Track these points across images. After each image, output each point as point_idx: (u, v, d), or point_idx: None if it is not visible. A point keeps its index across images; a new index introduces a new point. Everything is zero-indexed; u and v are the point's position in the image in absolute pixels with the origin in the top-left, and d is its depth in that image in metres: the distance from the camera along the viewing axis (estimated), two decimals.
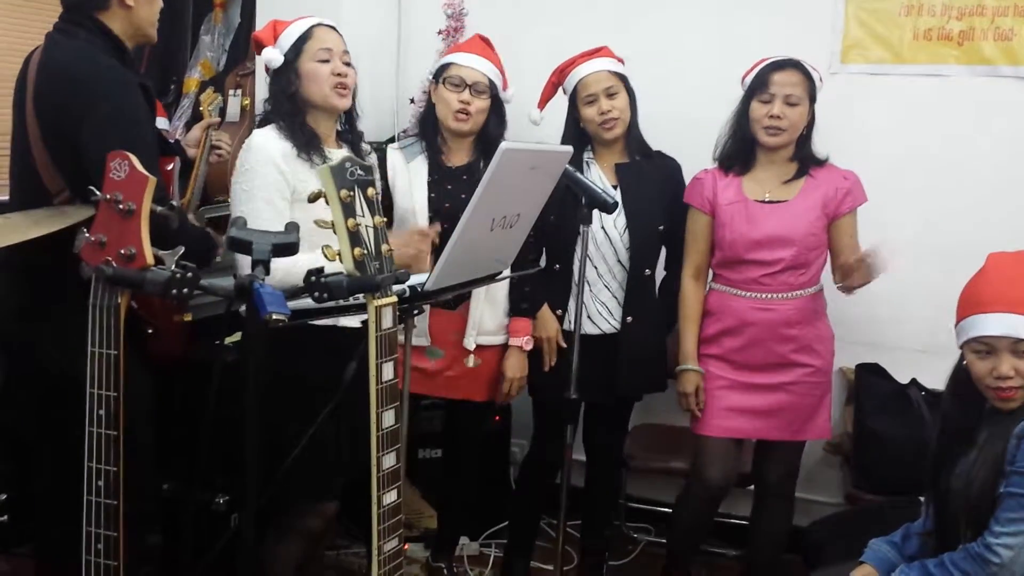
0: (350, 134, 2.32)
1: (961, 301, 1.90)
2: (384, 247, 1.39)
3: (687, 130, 2.72)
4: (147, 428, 2.04)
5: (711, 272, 2.62)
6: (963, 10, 2.85)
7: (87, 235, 1.42)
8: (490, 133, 2.55)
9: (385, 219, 1.42)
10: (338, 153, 2.20)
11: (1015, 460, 1.75)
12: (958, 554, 1.81)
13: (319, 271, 1.39)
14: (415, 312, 1.84)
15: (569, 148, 1.97)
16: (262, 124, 2.21)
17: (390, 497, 1.39)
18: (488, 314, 2.57)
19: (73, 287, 1.51)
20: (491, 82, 2.50)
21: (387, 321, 1.39)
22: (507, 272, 2.20)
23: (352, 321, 2.09)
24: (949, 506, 1.90)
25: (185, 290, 1.35)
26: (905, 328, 2.97)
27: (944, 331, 2.85)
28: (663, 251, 2.72)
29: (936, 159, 2.90)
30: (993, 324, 1.80)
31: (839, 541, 2.32)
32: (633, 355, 2.61)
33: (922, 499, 2.10)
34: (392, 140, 3.20)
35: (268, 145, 2.11)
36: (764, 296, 2.48)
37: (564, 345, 2.61)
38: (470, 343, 2.55)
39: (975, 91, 2.85)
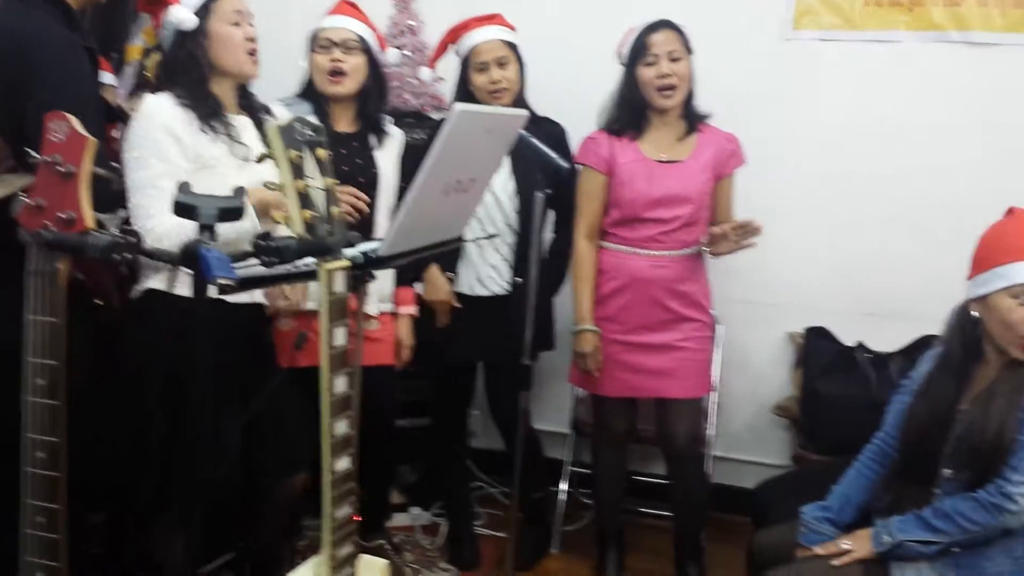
0: (247, 100, 2.21)
1: (994, 247, 1.86)
2: (335, 210, 1.36)
3: (574, 96, 2.73)
4: (91, 399, 1.98)
5: (603, 231, 2.63)
6: None
7: (25, 199, 1.36)
8: (371, 101, 2.50)
9: (337, 181, 1.38)
10: (241, 120, 2.13)
11: None
12: (963, 504, 1.80)
13: (267, 234, 1.35)
14: (367, 280, 1.80)
15: (524, 112, 1.93)
16: (157, 90, 2.07)
17: (342, 464, 1.37)
18: (385, 281, 2.57)
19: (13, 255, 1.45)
20: (361, 37, 2.45)
21: (338, 285, 1.36)
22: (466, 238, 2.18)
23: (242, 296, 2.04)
24: (928, 450, 1.91)
25: (127, 255, 1.30)
26: (852, 293, 3.03)
27: (888, 295, 2.95)
28: (551, 214, 2.75)
29: (888, 123, 2.93)
30: None
31: (786, 500, 2.34)
32: (523, 315, 2.61)
33: None
34: None
35: (163, 109, 1.99)
36: (659, 253, 2.53)
37: (458, 305, 2.65)
38: (373, 309, 2.54)
39: (925, 56, 2.89)
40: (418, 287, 2.68)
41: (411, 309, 2.63)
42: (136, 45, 3.29)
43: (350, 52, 2.43)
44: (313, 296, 2.32)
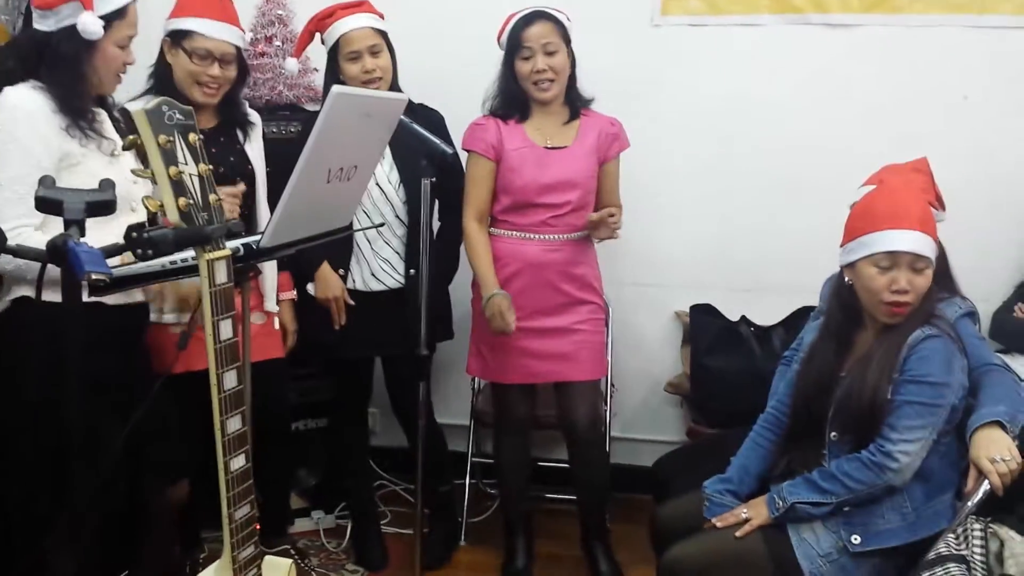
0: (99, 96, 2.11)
1: (861, 217, 1.92)
2: (212, 197, 1.30)
3: (450, 82, 2.74)
4: None
5: (492, 219, 2.64)
6: None
7: None
8: (234, 97, 2.43)
9: (211, 167, 1.32)
10: (100, 114, 2.05)
11: (908, 369, 1.83)
12: (848, 464, 1.86)
13: (140, 226, 1.28)
14: (253, 274, 1.74)
15: (405, 96, 1.91)
16: (12, 80, 1.94)
17: (238, 462, 1.31)
18: (272, 274, 2.52)
19: None
20: (238, 49, 2.35)
21: (221, 276, 1.30)
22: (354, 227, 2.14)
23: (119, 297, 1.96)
24: (814, 415, 1.96)
25: None
26: (733, 269, 3.12)
27: (767, 270, 3.07)
28: (436, 202, 2.72)
29: (756, 103, 3.03)
30: (901, 240, 1.83)
31: (684, 474, 2.38)
32: (419, 306, 2.60)
33: None
34: None
35: (26, 105, 1.89)
36: (551, 238, 2.56)
37: (352, 303, 2.62)
38: (272, 305, 2.50)
39: (787, 38, 3.00)
40: (310, 287, 2.61)
41: (290, 294, 2.60)
42: None
43: (227, 66, 2.32)
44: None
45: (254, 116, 2.53)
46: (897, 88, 2.94)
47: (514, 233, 2.58)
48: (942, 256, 2.07)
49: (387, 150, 2.57)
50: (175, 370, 1.88)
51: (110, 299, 1.88)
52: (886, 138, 2.85)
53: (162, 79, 2.35)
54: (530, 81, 2.49)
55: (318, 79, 3.01)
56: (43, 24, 1.97)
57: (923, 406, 1.81)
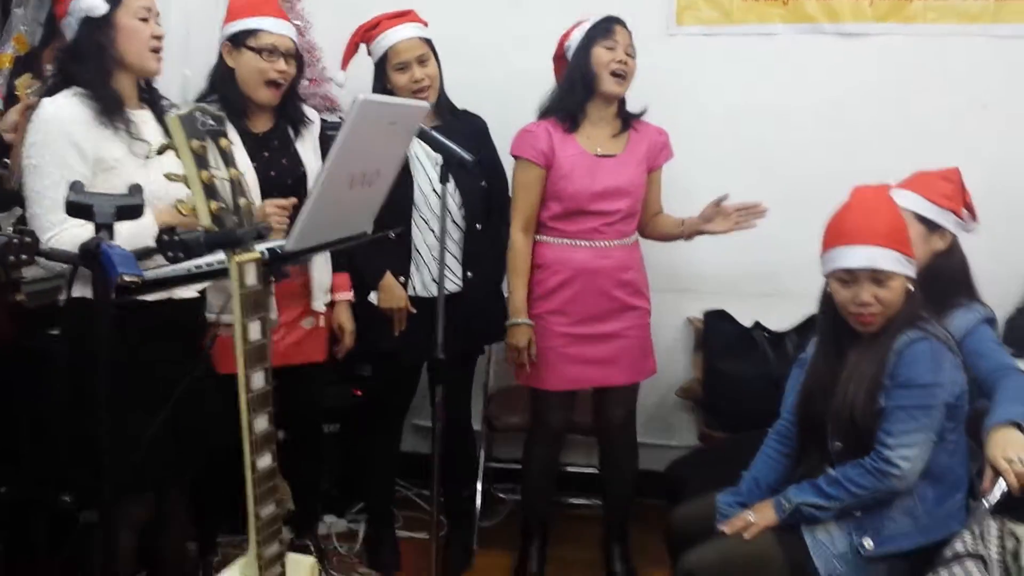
0: (149, 94, 2.14)
1: (826, 233, 1.96)
2: (243, 201, 1.32)
3: (489, 90, 2.77)
4: None
5: (541, 225, 2.64)
6: None
7: None
8: (292, 99, 2.47)
9: (242, 172, 1.35)
10: (142, 114, 2.07)
11: (897, 375, 1.85)
12: (852, 471, 1.88)
13: (171, 229, 1.31)
14: (279, 277, 1.76)
15: (426, 103, 1.93)
16: (52, 91, 1.99)
17: (264, 461, 1.33)
18: (326, 275, 2.53)
19: None
20: (295, 43, 2.41)
21: (251, 278, 1.33)
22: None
23: (188, 291, 2.00)
24: (818, 425, 1.98)
25: (23, 256, 1.24)
26: (748, 276, 3.14)
27: (782, 276, 3.08)
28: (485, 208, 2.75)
29: (771, 111, 3.06)
30: (854, 256, 1.87)
31: (697, 476, 2.42)
32: (477, 308, 2.65)
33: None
34: None
35: (61, 114, 1.92)
36: (602, 244, 2.57)
37: (413, 311, 2.62)
38: (320, 304, 2.51)
39: (801, 47, 3.03)
40: (372, 296, 2.62)
41: (348, 295, 2.58)
42: (6, 53, 3.14)
43: (291, 61, 2.37)
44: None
45: (312, 114, 2.55)
46: (911, 97, 2.96)
47: (564, 240, 2.58)
48: (962, 263, 2.11)
49: (439, 157, 2.57)
50: (223, 370, 1.90)
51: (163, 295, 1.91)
52: (900, 146, 2.86)
53: (224, 81, 2.39)
54: (608, 70, 2.49)
55: (334, 89, 3.03)
56: (69, 31, 2.02)
57: (915, 409, 1.83)
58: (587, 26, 2.55)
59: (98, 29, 1.98)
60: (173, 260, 1.31)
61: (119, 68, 2.02)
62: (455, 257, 2.66)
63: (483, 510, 3.11)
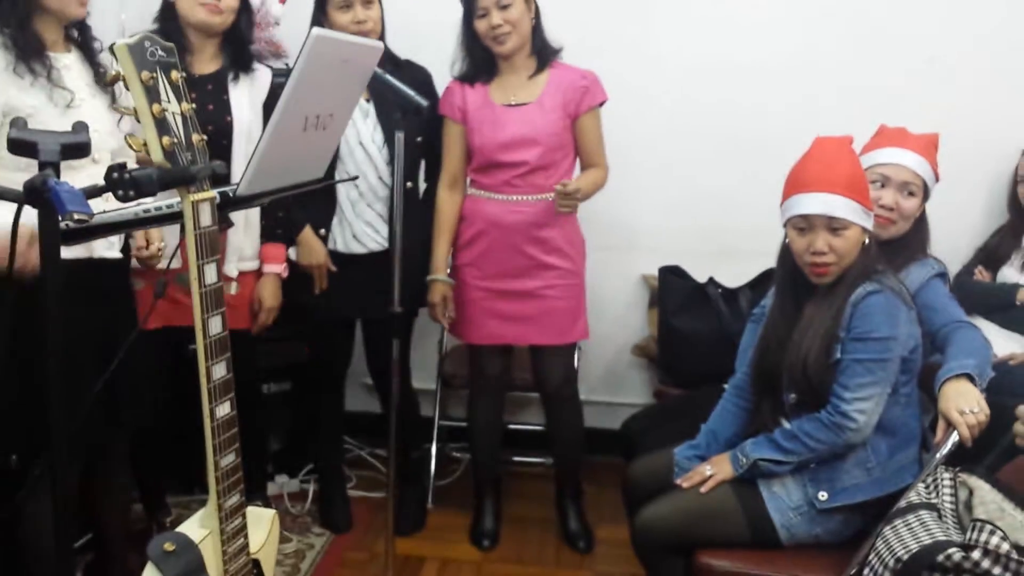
0: (81, 35, 2.01)
1: (786, 182, 1.97)
2: (195, 137, 1.26)
3: (437, 39, 2.65)
4: None
5: (468, 180, 2.64)
6: None
7: None
8: (241, 31, 2.36)
9: (194, 105, 1.28)
10: (66, 58, 1.95)
11: (853, 328, 1.86)
12: (808, 424, 1.90)
13: (122, 166, 1.23)
14: (223, 225, 1.69)
15: (380, 44, 1.86)
16: None
17: (223, 410, 1.28)
18: (247, 238, 2.43)
19: None
20: None
21: (206, 218, 1.27)
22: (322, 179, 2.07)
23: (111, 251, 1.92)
24: (773, 378, 2.00)
25: None
26: (702, 232, 3.14)
27: (736, 232, 3.09)
28: (423, 163, 2.72)
29: (725, 64, 3.03)
30: (811, 203, 1.89)
31: (652, 432, 2.43)
32: (403, 269, 2.58)
33: (725, 386, 2.24)
34: None
35: None
36: (514, 198, 2.53)
37: (333, 269, 2.58)
38: (232, 270, 2.40)
39: (756, 2, 3.00)
40: (291, 252, 2.55)
41: (277, 268, 2.49)
42: None
43: None
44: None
45: (260, 69, 2.44)
46: (864, 50, 2.97)
47: (479, 192, 2.58)
48: (921, 219, 2.15)
49: (371, 108, 2.52)
50: (150, 325, 1.82)
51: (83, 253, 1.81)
52: (853, 101, 2.88)
53: (165, 18, 2.30)
54: (488, 37, 2.46)
55: (279, 33, 2.93)
56: None
57: (871, 362, 1.85)
58: None
59: None
60: (123, 199, 1.24)
61: (39, 11, 1.89)
62: (380, 216, 2.59)
63: (438, 469, 3.09)
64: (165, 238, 2.10)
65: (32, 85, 1.85)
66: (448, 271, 2.63)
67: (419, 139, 2.58)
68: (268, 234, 2.47)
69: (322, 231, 2.57)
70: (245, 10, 2.35)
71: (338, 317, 2.68)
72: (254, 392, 2.69)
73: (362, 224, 2.58)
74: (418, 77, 2.58)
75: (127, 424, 2.09)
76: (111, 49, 1.93)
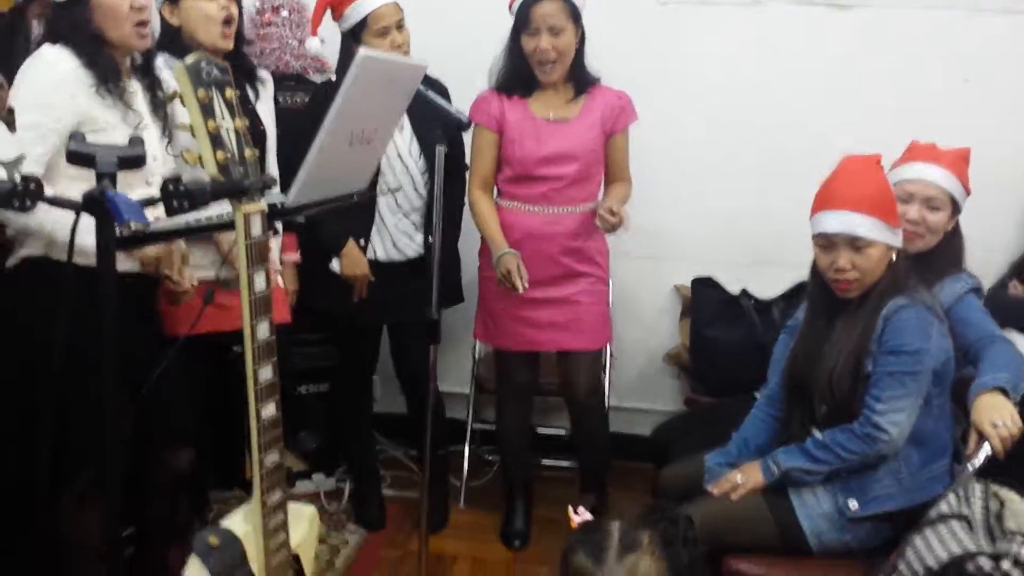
0: (145, 64, 2.09)
1: (814, 198, 2.00)
2: (248, 152, 1.32)
3: (453, 57, 2.70)
4: None
5: (496, 190, 2.69)
6: None
7: None
8: (240, 49, 2.40)
9: (247, 121, 1.35)
10: (132, 85, 2.03)
11: (885, 341, 1.88)
12: (840, 435, 1.91)
13: (176, 179, 1.30)
14: (271, 232, 1.77)
15: (425, 63, 1.92)
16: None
17: (269, 410, 1.35)
18: (272, 242, 2.52)
19: None
20: None
21: (256, 229, 1.33)
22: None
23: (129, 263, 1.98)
24: (805, 389, 2.01)
25: (28, 202, 1.23)
26: (735, 244, 3.16)
27: (769, 245, 3.11)
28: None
29: (762, 81, 3.06)
30: (832, 222, 1.91)
31: (683, 439, 2.45)
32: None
33: (756, 395, 2.26)
34: None
35: (58, 61, 1.88)
36: (552, 210, 2.59)
37: (373, 279, 2.65)
38: (278, 265, 2.52)
39: (792, 18, 3.02)
40: (335, 263, 2.64)
41: (293, 256, 2.62)
42: None
43: (232, 1, 2.31)
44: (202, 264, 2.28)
45: (265, 75, 2.53)
46: (900, 69, 2.97)
47: (516, 204, 2.62)
48: (961, 238, 2.17)
49: (406, 122, 2.60)
50: (201, 330, 1.89)
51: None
52: (888, 118, 2.88)
53: (171, 43, 2.31)
54: (534, 60, 2.51)
55: (324, 49, 2.99)
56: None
57: (903, 375, 1.86)
58: (516, 4, 2.50)
59: (75, 6, 1.91)
60: (177, 211, 1.31)
61: (104, 45, 1.96)
62: (414, 224, 2.68)
63: (470, 471, 3.14)
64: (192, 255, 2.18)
65: (112, 106, 1.94)
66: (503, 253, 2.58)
67: (445, 148, 2.64)
68: (284, 227, 2.55)
69: (362, 241, 2.64)
70: (241, 30, 2.41)
71: (373, 324, 2.76)
72: (288, 391, 2.74)
73: (400, 233, 2.66)
74: (439, 91, 2.62)
75: (174, 429, 2.15)
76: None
